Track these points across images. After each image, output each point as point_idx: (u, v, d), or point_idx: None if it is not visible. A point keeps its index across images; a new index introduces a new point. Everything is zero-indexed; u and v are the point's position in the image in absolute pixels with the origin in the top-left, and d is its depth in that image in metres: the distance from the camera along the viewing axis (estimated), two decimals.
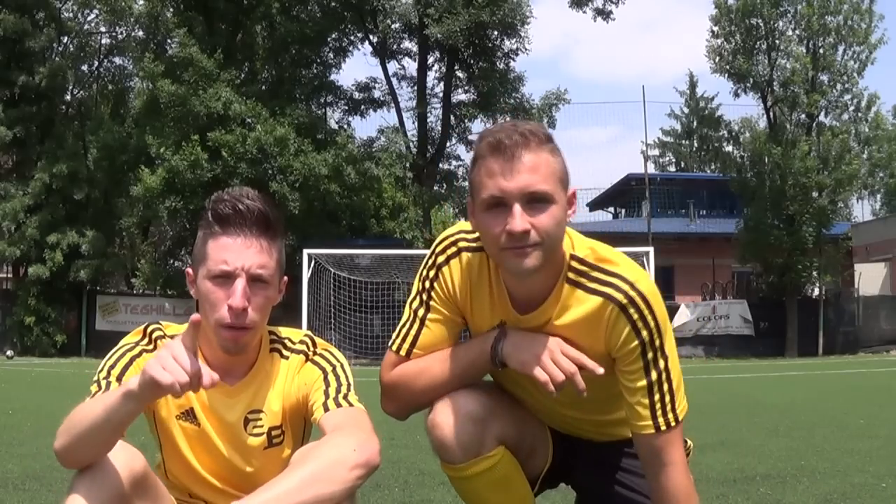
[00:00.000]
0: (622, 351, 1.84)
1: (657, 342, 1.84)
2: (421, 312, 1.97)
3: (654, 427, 1.86)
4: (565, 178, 1.80)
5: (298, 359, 1.91)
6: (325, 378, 1.86)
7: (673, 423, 1.86)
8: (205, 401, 1.87)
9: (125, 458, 1.65)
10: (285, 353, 1.92)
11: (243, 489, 1.88)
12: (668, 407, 1.86)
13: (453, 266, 1.94)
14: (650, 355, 1.84)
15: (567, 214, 1.81)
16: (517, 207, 1.72)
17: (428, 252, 2.00)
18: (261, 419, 1.88)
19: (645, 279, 1.85)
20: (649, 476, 1.91)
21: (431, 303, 1.96)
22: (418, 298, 1.98)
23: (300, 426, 1.95)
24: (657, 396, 1.85)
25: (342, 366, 1.90)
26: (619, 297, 1.82)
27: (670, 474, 1.87)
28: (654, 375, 1.84)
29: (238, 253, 1.78)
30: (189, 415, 1.87)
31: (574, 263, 1.88)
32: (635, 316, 1.82)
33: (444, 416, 1.91)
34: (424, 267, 1.98)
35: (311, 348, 1.93)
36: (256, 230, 1.80)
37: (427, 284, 1.96)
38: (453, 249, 1.95)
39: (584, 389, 1.82)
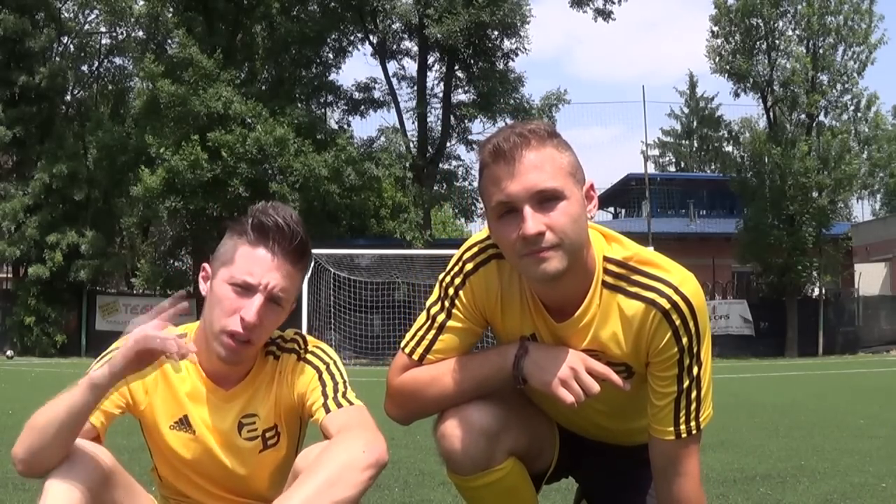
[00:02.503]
0: (659, 357, 1.78)
1: (695, 349, 1.76)
2: (441, 318, 1.88)
3: (674, 434, 1.80)
4: (576, 172, 1.72)
5: (290, 358, 1.89)
6: (321, 377, 1.84)
7: (694, 431, 1.81)
8: (199, 409, 1.85)
9: (92, 456, 1.65)
10: (277, 353, 1.90)
11: (239, 493, 1.89)
12: (693, 415, 1.80)
13: (482, 274, 1.85)
14: (686, 362, 1.77)
15: (586, 210, 1.73)
16: (527, 209, 1.65)
17: (455, 255, 1.91)
18: (254, 423, 1.87)
19: (690, 281, 1.77)
20: (660, 484, 1.87)
21: (454, 310, 1.87)
22: (439, 304, 1.89)
23: (296, 426, 1.94)
24: (683, 403, 1.79)
25: (335, 363, 1.88)
26: (663, 301, 1.74)
27: (683, 485, 1.83)
28: (686, 383, 1.78)
29: (266, 269, 1.76)
30: (183, 423, 1.85)
31: (610, 266, 1.80)
32: (678, 322, 1.74)
33: (455, 428, 1.85)
34: (449, 273, 1.89)
35: (302, 346, 1.90)
36: (291, 255, 1.79)
37: (451, 291, 1.88)
38: (483, 256, 1.86)
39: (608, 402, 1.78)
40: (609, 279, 1.80)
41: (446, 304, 1.89)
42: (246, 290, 1.75)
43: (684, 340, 1.75)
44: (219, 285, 1.78)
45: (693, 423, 1.81)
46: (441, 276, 1.92)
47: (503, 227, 1.71)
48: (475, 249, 1.88)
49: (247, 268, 1.76)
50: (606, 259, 1.81)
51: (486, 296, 1.86)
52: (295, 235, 1.78)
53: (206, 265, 1.86)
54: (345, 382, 1.84)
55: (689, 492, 1.83)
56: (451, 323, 1.88)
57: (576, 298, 1.79)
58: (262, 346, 1.88)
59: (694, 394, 1.79)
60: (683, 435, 1.80)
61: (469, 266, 1.87)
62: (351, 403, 1.79)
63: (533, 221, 1.65)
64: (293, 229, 1.78)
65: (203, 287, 1.85)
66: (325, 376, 1.84)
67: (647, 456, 1.93)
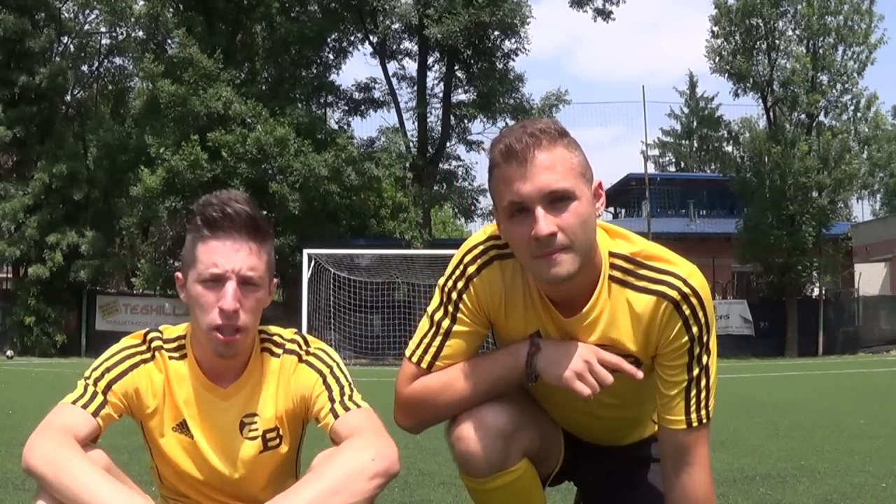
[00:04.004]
0: (670, 347, 1.80)
1: (705, 338, 1.80)
2: (446, 324, 1.88)
3: (686, 423, 1.82)
4: (586, 171, 1.75)
5: (291, 359, 1.88)
6: (325, 381, 1.83)
7: (704, 420, 1.83)
8: (197, 410, 1.85)
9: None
10: (276, 351, 1.89)
11: (236, 496, 1.89)
12: (703, 403, 1.83)
13: (485, 276, 1.86)
14: (696, 351, 1.80)
15: (595, 208, 1.76)
16: (539, 210, 1.67)
17: (454, 260, 1.91)
18: (255, 422, 1.87)
19: (697, 273, 1.81)
20: (670, 475, 1.87)
21: (459, 314, 1.87)
22: (443, 309, 1.89)
23: (298, 428, 1.93)
24: (693, 392, 1.82)
25: (339, 366, 1.87)
26: (673, 293, 1.77)
27: (694, 474, 1.84)
28: (695, 372, 1.81)
29: (228, 256, 1.77)
30: (183, 427, 1.85)
31: (617, 261, 1.83)
32: (687, 312, 1.78)
33: (471, 430, 1.85)
34: (451, 277, 1.89)
35: (304, 348, 1.89)
36: (246, 233, 1.79)
37: (455, 296, 1.87)
38: (485, 258, 1.87)
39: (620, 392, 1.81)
40: (617, 274, 1.82)
41: (450, 308, 1.88)
42: (216, 282, 1.76)
43: (694, 330, 1.79)
44: (192, 287, 1.80)
45: (703, 412, 1.83)
46: (441, 282, 1.92)
47: (514, 227, 1.72)
48: (476, 252, 1.88)
49: (210, 261, 1.77)
50: (613, 255, 1.83)
51: (489, 297, 1.87)
52: (240, 214, 1.79)
53: (178, 274, 1.88)
54: (350, 385, 1.84)
55: (700, 482, 1.84)
56: (456, 327, 1.88)
57: (583, 294, 1.81)
58: (256, 339, 1.88)
59: (703, 382, 1.82)
60: (694, 423, 1.83)
61: (471, 269, 1.87)
62: (359, 406, 1.78)
63: (545, 222, 1.66)
64: (238, 209, 1.79)
65: (182, 295, 1.86)
66: (330, 380, 1.84)
67: (642, 454, 1.95)
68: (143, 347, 1.86)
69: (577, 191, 1.70)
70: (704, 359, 1.81)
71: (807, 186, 24.93)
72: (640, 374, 1.80)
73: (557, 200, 1.68)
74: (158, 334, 1.89)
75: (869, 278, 28.83)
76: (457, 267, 1.89)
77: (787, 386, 12.53)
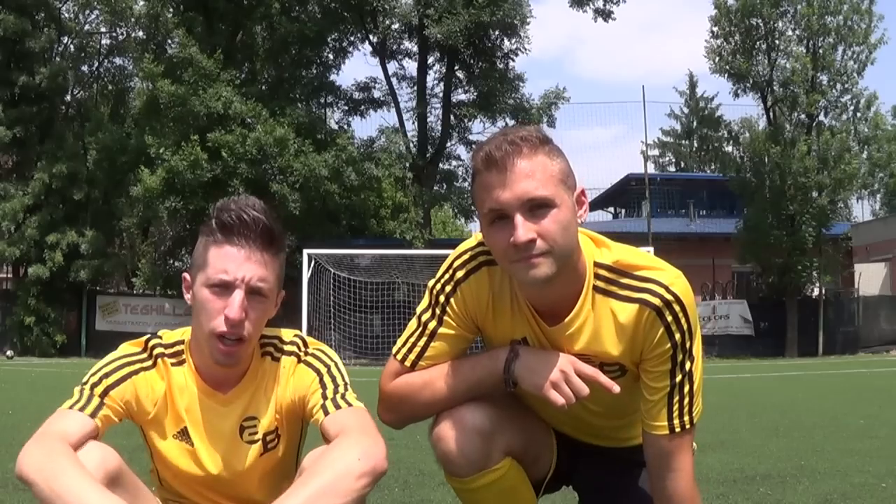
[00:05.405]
0: (653, 353, 1.81)
1: (688, 344, 1.80)
2: (432, 325, 1.90)
3: (668, 428, 1.83)
4: (568, 179, 1.74)
5: (290, 360, 1.88)
6: (321, 380, 1.83)
7: (687, 426, 1.84)
8: (198, 416, 1.85)
9: (99, 457, 1.64)
10: (276, 354, 1.89)
11: (234, 497, 1.90)
12: (686, 409, 1.83)
13: (473, 281, 1.87)
14: (679, 358, 1.80)
15: (577, 215, 1.76)
16: (519, 217, 1.68)
17: (445, 263, 1.93)
18: (255, 426, 1.87)
19: (680, 280, 1.81)
20: (654, 480, 1.88)
21: (445, 317, 1.89)
22: (430, 311, 1.91)
23: (297, 428, 1.94)
24: (676, 398, 1.82)
25: (336, 365, 1.87)
26: (656, 301, 1.77)
27: (677, 480, 1.85)
28: (678, 378, 1.81)
29: (239, 264, 1.76)
30: (184, 434, 1.85)
31: (601, 271, 1.83)
32: (670, 318, 1.78)
33: (450, 430, 1.87)
34: (440, 280, 1.91)
35: (303, 349, 1.89)
36: (260, 243, 1.78)
37: (442, 299, 1.89)
38: (474, 263, 1.88)
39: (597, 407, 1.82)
40: (600, 283, 1.83)
41: (437, 311, 1.90)
42: (224, 288, 1.75)
43: (677, 336, 1.79)
44: (199, 290, 1.79)
45: (686, 418, 1.83)
46: (431, 284, 1.93)
47: (495, 233, 1.74)
48: (466, 257, 1.90)
49: (220, 266, 1.76)
50: (597, 264, 1.84)
51: (476, 303, 1.88)
52: (258, 223, 1.78)
53: (185, 274, 1.87)
54: (346, 384, 1.83)
55: (683, 488, 1.85)
56: (442, 330, 1.90)
57: (567, 303, 1.82)
58: (256, 344, 1.87)
59: (687, 388, 1.82)
60: (677, 429, 1.83)
61: (460, 273, 1.89)
62: (350, 405, 1.78)
63: (524, 229, 1.67)
64: (255, 218, 1.78)
65: (187, 296, 1.85)
66: (326, 378, 1.84)
67: (639, 457, 1.95)
68: (145, 355, 1.86)
69: (557, 198, 1.70)
70: (688, 365, 1.81)
71: (806, 186, 24.93)
72: (616, 389, 1.79)
73: (537, 208, 1.69)
74: (159, 340, 1.88)
75: (869, 278, 28.81)
76: (446, 271, 1.91)
77: (787, 386, 12.52)
